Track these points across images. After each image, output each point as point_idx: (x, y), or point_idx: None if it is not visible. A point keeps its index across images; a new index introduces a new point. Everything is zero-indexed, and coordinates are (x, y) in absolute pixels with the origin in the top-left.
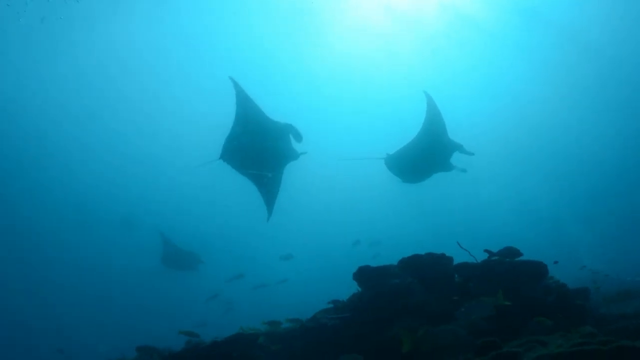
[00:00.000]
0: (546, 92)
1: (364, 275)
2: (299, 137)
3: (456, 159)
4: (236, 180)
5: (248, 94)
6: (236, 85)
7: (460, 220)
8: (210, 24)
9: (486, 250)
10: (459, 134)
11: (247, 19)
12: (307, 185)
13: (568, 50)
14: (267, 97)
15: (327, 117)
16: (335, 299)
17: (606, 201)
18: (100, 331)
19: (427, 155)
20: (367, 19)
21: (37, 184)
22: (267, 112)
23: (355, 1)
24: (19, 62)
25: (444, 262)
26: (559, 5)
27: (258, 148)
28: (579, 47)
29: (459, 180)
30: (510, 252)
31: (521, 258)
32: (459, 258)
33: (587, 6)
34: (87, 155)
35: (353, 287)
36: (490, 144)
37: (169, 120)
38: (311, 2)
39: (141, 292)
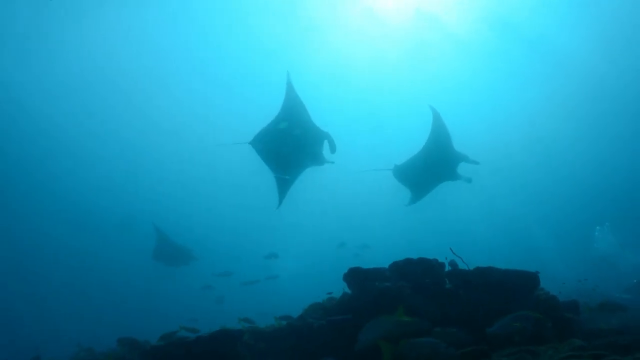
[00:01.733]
0: (520, 103)
1: (354, 276)
2: (333, 148)
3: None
4: (231, 180)
5: (298, 93)
6: (289, 83)
7: (446, 227)
8: (207, 23)
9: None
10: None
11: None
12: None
13: (540, 62)
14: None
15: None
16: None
17: (574, 209)
18: (88, 327)
19: (434, 165)
20: (352, 21)
21: (33, 182)
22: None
23: (342, 3)
24: (16, 60)
25: (435, 267)
26: (531, 17)
27: (292, 144)
28: (550, 58)
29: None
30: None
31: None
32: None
33: (558, 19)
34: (85, 153)
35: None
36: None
37: (166, 119)
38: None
39: (132, 288)
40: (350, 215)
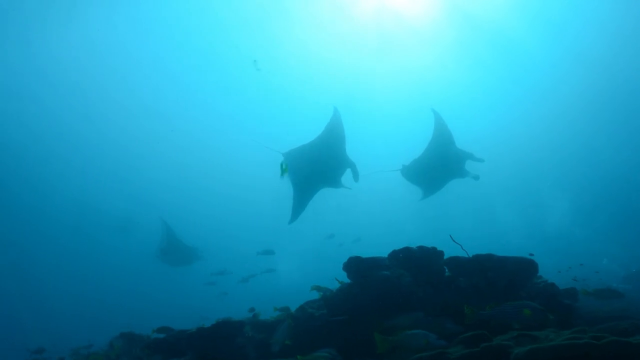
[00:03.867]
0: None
1: (353, 266)
2: (356, 177)
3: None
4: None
5: (342, 123)
6: (336, 113)
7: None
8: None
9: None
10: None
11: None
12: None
13: (493, 52)
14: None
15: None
16: (318, 286)
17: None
18: (91, 329)
19: (439, 162)
20: (320, 14)
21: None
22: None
23: None
24: (18, 61)
25: (434, 255)
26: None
27: (320, 169)
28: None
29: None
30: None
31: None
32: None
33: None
34: (85, 156)
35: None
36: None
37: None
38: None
39: (135, 292)
40: (344, 210)
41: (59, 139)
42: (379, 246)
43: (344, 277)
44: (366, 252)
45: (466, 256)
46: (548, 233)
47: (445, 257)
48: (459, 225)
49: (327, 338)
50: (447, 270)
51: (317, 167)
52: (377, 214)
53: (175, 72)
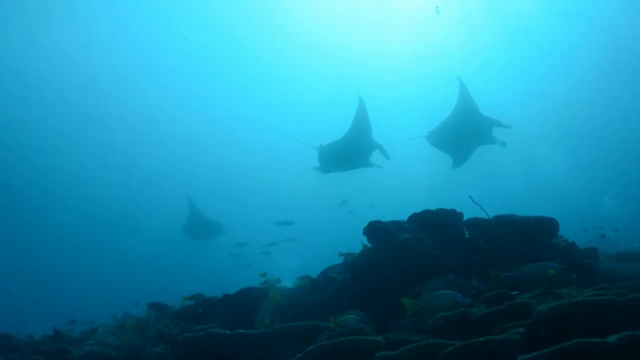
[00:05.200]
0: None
1: (374, 230)
2: (386, 156)
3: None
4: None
5: (367, 111)
6: (361, 102)
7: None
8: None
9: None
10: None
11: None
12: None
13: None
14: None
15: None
16: (346, 252)
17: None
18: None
19: (465, 126)
20: None
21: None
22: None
23: None
24: (18, 59)
25: (454, 217)
26: None
27: (352, 159)
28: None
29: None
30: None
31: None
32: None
33: None
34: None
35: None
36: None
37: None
38: None
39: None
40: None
41: (59, 136)
42: (394, 213)
43: (356, 247)
44: (381, 218)
45: (486, 217)
46: (548, 186)
47: (465, 218)
48: (471, 189)
49: (351, 301)
50: (466, 232)
51: (350, 159)
52: (390, 181)
53: (175, 66)
